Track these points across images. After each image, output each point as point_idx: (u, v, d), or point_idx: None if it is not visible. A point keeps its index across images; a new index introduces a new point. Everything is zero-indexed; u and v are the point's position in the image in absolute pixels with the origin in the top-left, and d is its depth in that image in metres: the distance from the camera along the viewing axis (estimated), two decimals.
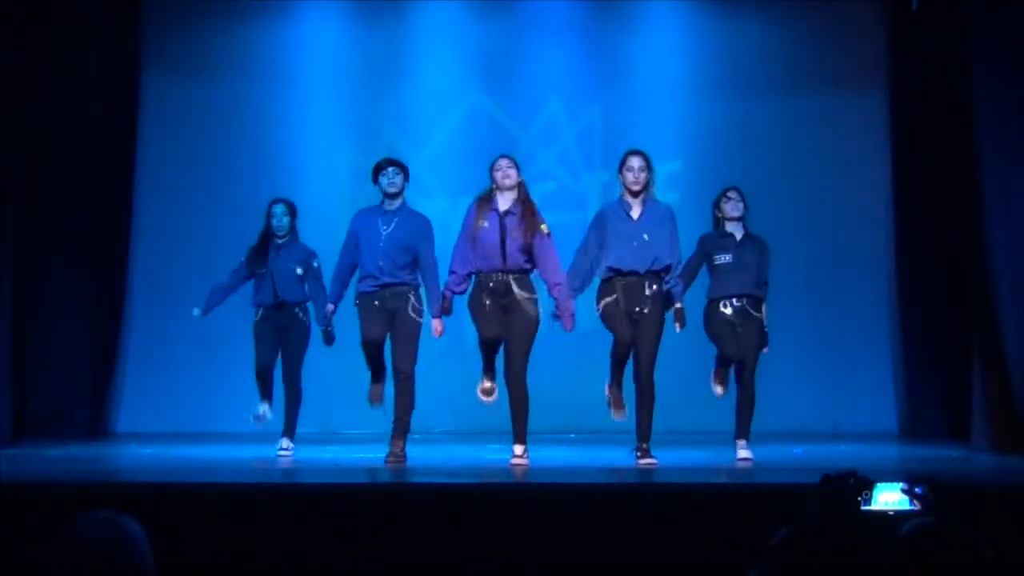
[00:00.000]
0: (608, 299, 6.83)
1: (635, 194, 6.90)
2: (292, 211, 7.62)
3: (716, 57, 9.56)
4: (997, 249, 7.56)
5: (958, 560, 2.75)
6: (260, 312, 7.47)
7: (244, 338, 7.45)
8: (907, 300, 9.23)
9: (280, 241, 7.54)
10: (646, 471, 6.54)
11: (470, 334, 8.83)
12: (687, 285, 7.13)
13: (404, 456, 6.83)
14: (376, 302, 6.93)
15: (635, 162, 6.89)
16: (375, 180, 7.10)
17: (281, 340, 7.48)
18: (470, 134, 9.50)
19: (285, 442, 7.40)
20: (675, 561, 5.00)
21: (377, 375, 7.16)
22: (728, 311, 7.13)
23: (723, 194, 7.30)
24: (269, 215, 7.55)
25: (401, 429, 6.88)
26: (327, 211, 9.58)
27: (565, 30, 9.69)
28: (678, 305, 6.94)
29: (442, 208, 9.39)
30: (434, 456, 7.16)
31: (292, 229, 7.60)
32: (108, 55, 8.93)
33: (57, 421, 8.41)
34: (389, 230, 7.01)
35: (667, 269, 6.89)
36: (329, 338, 7.42)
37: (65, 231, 8.58)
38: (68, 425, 8.45)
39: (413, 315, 6.93)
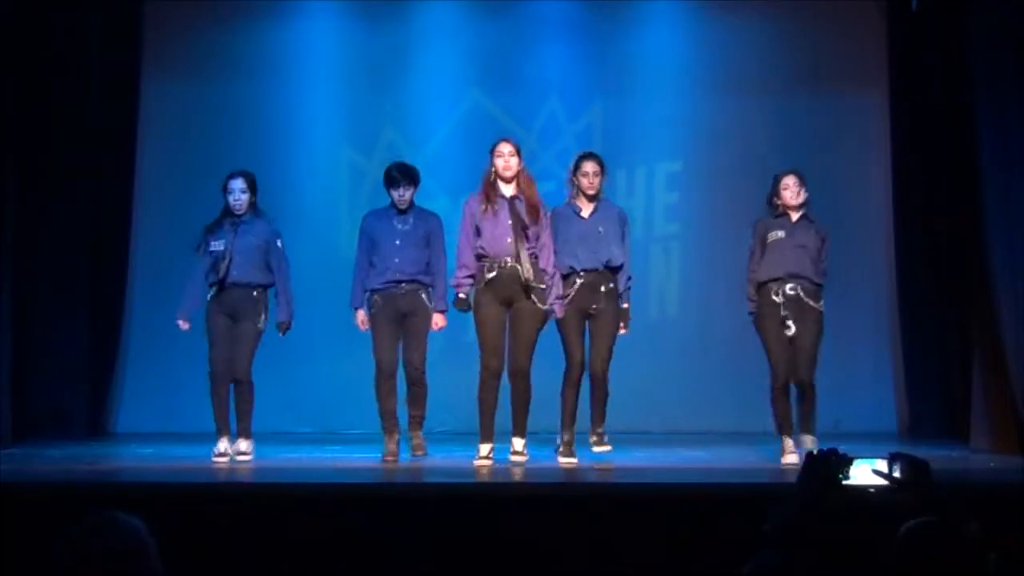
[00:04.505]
0: (566, 297, 6.92)
1: (590, 198, 7.06)
2: (252, 186, 7.15)
3: (716, 57, 9.55)
4: (997, 249, 7.57)
5: (958, 559, 2.75)
6: (211, 292, 7.04)
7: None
8: (907, 300, 9.23)
9: (239, 218, 7.12)
10: (645, 471, 6.57)
11: (471, 334, 8.84)
12: (752, 281, 7.10)
13: (425, 447, 7.20)
14: (387, 305, 7.08)
15: (590, 167, 7.04)
16: (387, 186, 7.27)
17: (232, 328, 7.03)
18: (470, 134, 9.49)
19: (243, 444, 6.98)
20: (674, 561, 5.00)
21: (391, 426, 7.10)
22: (779, 298, 6.98)
23: (779, 182, 7.12)
24: (226, 191, 7.11)
25: (418, 422, 7.23)
26: (326, 210, 9.59)
27: (565, 30, 9.67)
28: (624, 305, 7.01)
29: (442, 208, 9.33)
30: (434, 456, 7.16)
31: (252, 205, 7.16)
32: (108, 55, 8.92)
33: (57, 421, 8.40)
34: (406, 228, 7.20)
35: (620, 268, 6.98)
36: (284, 329, 7.17)
37: (65, 231, 8.58)
38: (68, 425, 8.44)
39: (425, 315, 7.13)
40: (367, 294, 7.19)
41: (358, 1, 9.72)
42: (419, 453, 7.19)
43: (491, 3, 9.68)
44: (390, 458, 6.95)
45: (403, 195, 7.20)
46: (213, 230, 7.12)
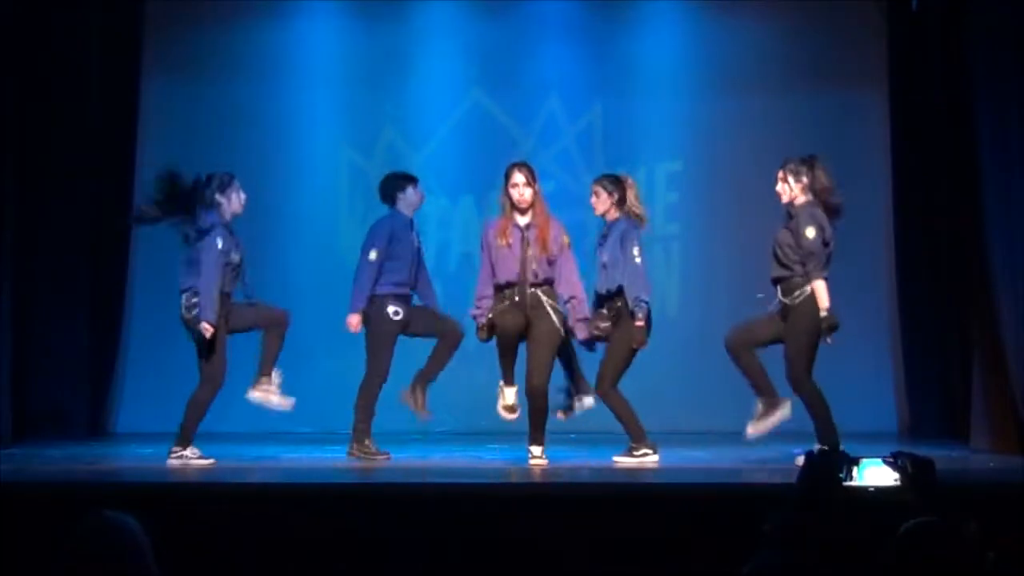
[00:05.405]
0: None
1: (604, 223, 7.17)
2: None
3: (716, 57, 9.55)
4: (997, 249, 7.57)
5: (958, 559, 2.75)
6: (230, 300, 6.91)
7: (244, 337, 7.33)
8: (907, 300, 9.22)
9: (230, 224, 6.93)
10: (646, 471, 6.57)
11: (470, 334, 8.84)
12: None
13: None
14: (404, 317, 7.15)
15: (591, 189, 7.20)
16: (404, 189, 7.27)
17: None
18: (470, 134, 9.49)
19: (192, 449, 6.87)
20: (674, 561, 5.00)
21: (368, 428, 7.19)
22: (771, 305, 6.91)
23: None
24: (237, 190, 6.91)
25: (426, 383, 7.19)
26: (326, 211, 9.59)
27: (565, 30, 9.67)
28: (637, 323, 6.94)
29: (442, 208, 9.41)
30: (434, 456, 7.17)
31: None
32: (108, 55, 8.92)
33: (57, 421, 8.40)
34: (415, 236, 7.32)
35: (620, 287, 6.97)
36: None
37: (65, 231, 8.57)
38: (68, 425, 8.44)
39: None
40: (389, 299, 7.16)
41: (358, 1, 9.72)
42: (426, 414, 7.18)
43: (491, 3, 9.68)
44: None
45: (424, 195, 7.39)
46: (224, 235, 6.87)
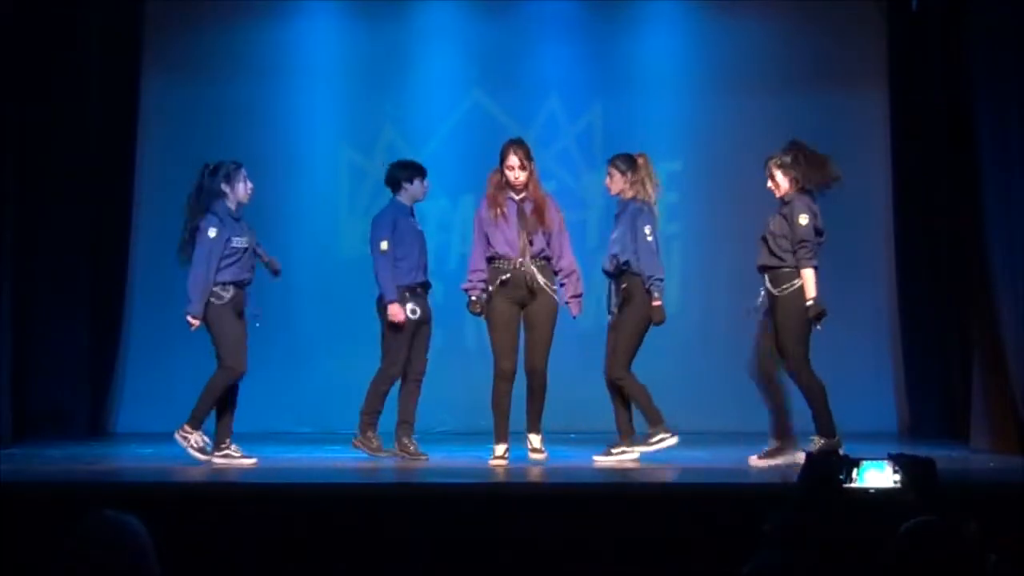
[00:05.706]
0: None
1: (618, 201, 7.15)
2: None
3: (716, 57, 9.55)
4: (997, 249, 7.57)
5: (958, 559, 2.75)
6: (232, 291, 6.78)
7: (252, 333, 7.25)
8: (907, 300, 9.23)
9: (239, 213, 6.92)
10: (645, 471, 6.57)
11: (471, 334, 8.85)
12: None
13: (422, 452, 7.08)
14: (419, 312, 7.05)
15: (606, 169, 7.17)
16: (412, 180, 7.23)
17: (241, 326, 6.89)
18: (470, 134, 9.49)
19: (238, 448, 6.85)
20: (674, 561, 5.00)
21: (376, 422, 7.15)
22: (758, 300, 6.94)
23: None
24: (241, 180, 6.86)
25: (409, 429, 7.11)
26: (326, 210, 9.58)
27: (565, 30, 9.67)
28: (654, 303, 6.92)
29: (442, 208, 9.40)
30: (434, 456, 7.16)
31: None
32: (108, 55, 8.92)
33: (57, 421, 8.41)
34: (417, 224, 7.28)
35: (627, 267, 6.92)
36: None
37: (65, 231, 8.57)
38: (68, 425, 8.45)
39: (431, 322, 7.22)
40: (403, 291, 7.06)
41: (358, 1, 9.72)
42: (423, 457, 7.08)
43: (491, 3, 9.68)
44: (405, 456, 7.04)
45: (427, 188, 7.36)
46: (223, 222, 6.83)
